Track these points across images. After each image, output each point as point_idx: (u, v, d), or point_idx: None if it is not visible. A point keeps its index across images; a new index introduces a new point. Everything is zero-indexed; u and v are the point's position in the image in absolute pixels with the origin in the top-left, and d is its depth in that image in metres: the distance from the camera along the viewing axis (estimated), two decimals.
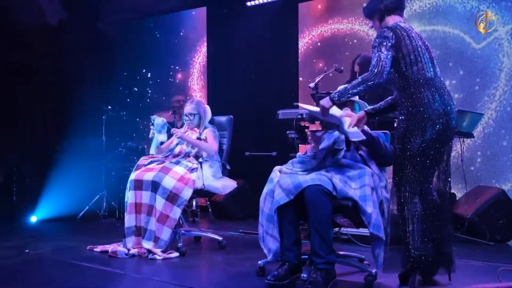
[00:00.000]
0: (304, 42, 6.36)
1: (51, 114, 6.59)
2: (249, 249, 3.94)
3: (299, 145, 4.46)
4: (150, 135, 4.10)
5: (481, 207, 4.24)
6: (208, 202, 5.86)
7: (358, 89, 2.69)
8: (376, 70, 2.64)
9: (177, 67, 7.43)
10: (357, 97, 3.02)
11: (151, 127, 4.04)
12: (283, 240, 2.85)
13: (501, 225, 4.23)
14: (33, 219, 5.61)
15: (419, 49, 2.70)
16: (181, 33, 7.38)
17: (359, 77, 2.70)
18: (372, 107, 3.01)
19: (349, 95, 2.73)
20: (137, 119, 7.47)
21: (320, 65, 6.10)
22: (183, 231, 3.97)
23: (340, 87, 2.80)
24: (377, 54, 2.66)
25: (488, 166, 5.04)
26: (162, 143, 4.07)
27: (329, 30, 6.17)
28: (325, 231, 2.73)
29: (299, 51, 6.39)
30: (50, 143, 6.34)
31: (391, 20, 2.81)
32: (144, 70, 7.64)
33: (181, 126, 4.55)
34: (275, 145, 5.39)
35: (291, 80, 6.37)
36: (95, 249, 3.79)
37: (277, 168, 3.09)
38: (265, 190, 2.97)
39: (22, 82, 6.14)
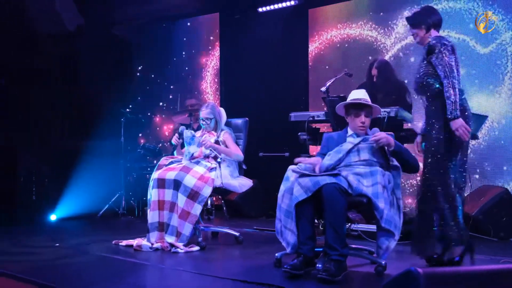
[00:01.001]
0: (314, 46, 6.55)
1: (70, 117, 6.71)
2: (265, 244, 4.14)
3: (310, 146, 4.64)
4: (173, 141, 4.35)
5: (485, 205, 4.41)
6: (222, 201, 6.06)
7: (455, 96, 2.99)
8: (445, 70, 3.01)
9: (191, 70, 7.62)
10: (369, 100, 3.25)
11: (176, 135, 4.28)
12: (299, 234, 3.03)
13: (504, 222, 4.40)
14: (53, 217, 5.77)
15: (456, 64, 3.09)
16: (195, 38, 7.59)
17: (446, 92, 3.00)
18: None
19: (457, 103, 3.00)
20: (152, 116, 7.67)
21: (330, 68, 6.27)
22: (202, 227, 4.18)
23: (448, 107, 3.01)
24: (442, 59, 3.03)
25: (492, 167, 5.20)
26: (193, 154, 4.19)
27: (338, 35, 6.36)
28: (339, 226, 2.93)
29: (309, 55, 6.57)
30: (69, 145, 6.43)
31: (434, 33, 3.22)
32: (158, 73, 7.85)
33: (198, 128, 4.75)
34: (288, 146, 5.51)
35: (302, 84, 6.54)
36: (120, 244, 4.01)
37: (291, 167, 3.25)
38: (282, 188, 3.15)
39: (42, 87, 6.30)
